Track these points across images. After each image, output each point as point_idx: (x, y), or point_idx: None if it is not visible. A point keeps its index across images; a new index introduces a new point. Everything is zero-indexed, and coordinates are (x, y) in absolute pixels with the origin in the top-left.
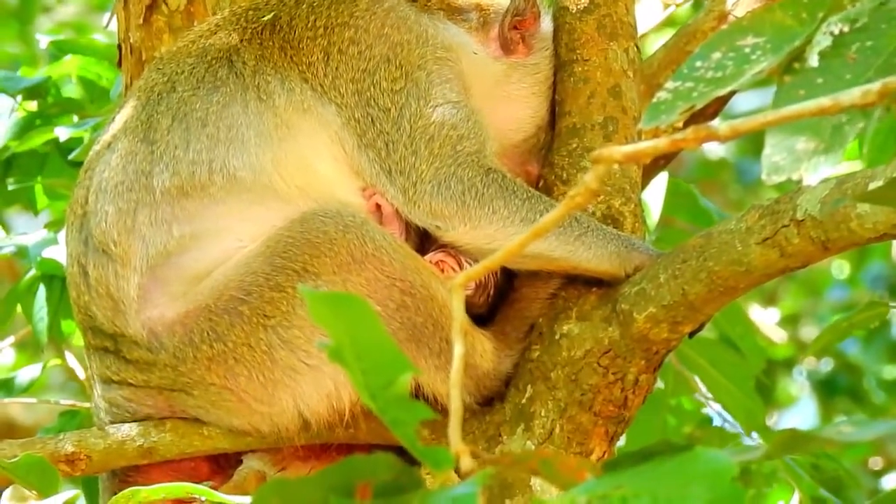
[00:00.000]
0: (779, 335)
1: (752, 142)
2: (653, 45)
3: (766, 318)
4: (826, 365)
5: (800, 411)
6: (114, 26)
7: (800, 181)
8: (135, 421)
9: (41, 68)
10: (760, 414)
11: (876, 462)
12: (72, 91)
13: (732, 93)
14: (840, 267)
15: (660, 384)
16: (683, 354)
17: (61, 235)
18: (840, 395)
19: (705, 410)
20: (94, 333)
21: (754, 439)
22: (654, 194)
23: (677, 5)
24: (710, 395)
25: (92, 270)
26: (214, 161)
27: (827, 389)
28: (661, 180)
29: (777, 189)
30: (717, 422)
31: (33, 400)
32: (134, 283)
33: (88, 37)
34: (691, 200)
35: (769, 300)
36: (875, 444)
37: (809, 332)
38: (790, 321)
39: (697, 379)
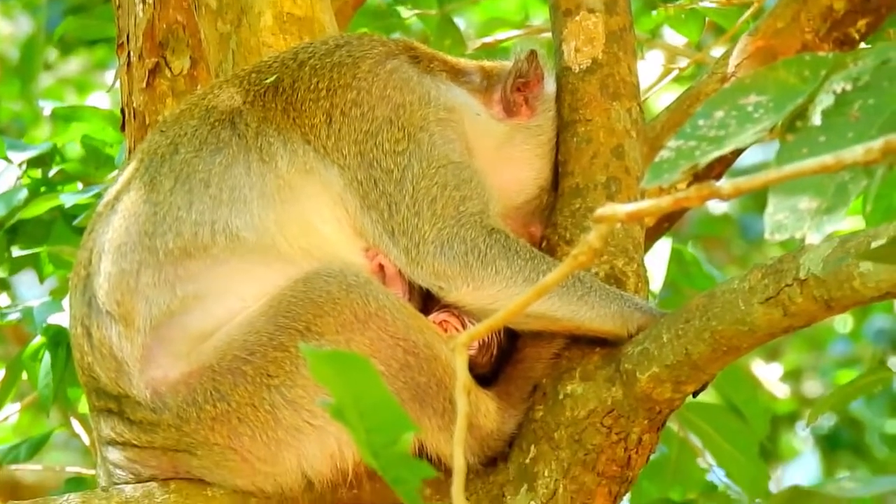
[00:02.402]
0: (781, 390)
1: (755, 198)
2: (657, 101)
3: (768, 374)
4: (829, 420)
5: (802, 466)
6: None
7: (803, 239)
8: (139, 482)
9: (43, 127)
10: (764, 480)
11: None
12: (75, 153)
13: (738, 153)
14: (843, 321)
15: (664, 450)
16: (688, 420)
17: (66, 302)
18: (843, 449)
19: (709, 477)
20: (98, 395)
21: None
22: (658, 259)
23: (681, 70)
24: (714, 462)
25: (95, 331)
26: (217, 222)
27: (830, 444)
28: (664, 245)
29: (781, 245)
30: (721, 488)
31: (39, 467)
32: (137, 344)
33: (90, 106)
34: (696, 268)
35: (772, 355)
36: (878, 499)
37: (812, 386)
38: (793, 375)
39: (702, 445)
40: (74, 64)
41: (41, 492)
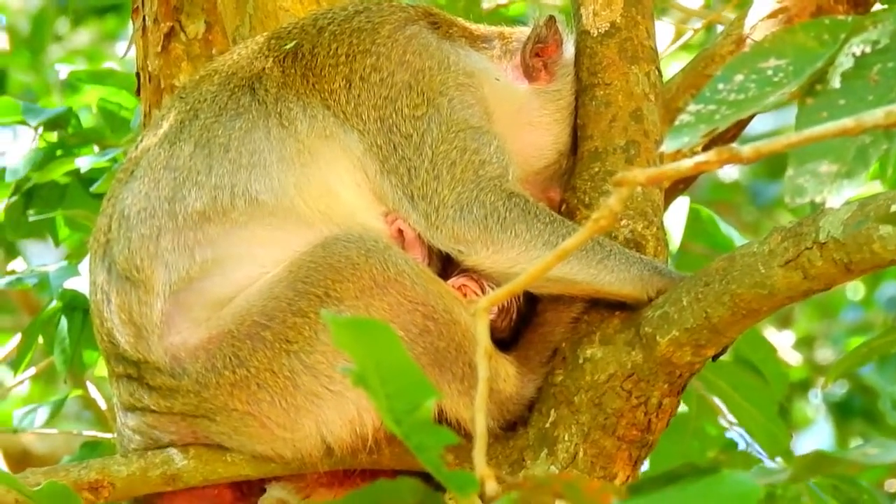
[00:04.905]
0: (794, 357)
1: (766, 164)
2: (668, 67)
3: (781, 341)
4: (841, 387)
5: (815, 433)
6: (132, 54)
7: (819, 203)
8: (158, 448)
9: (55, 97)
10: (784, 438)
11: (892, 484)
12: (90, 120)
13: (752, 116)
14: (855, 288)
15: (684, 409)
16: (707, 379)
17: (82, 266)
18: (855, 416)
19: (729, 435)
20: (118, 361)
21: (778, 464)
22: (675, 220)
23: (695, 30)
24: (733, 420)
25: (115, 297)
26: (237, 185)
27: (842, 411)
28: (681, 205)
29: (792, 211)
30: (741, 446)
31: (54, 431)
32: (157, 309)
33: (107, 68)
34: (712, 227)
35: (784, 322)
36: (891, 466)
37: (824, 353)
38: (805, 343)
39: (721, 403)
40: (84, 35)
41: (52, 461)
